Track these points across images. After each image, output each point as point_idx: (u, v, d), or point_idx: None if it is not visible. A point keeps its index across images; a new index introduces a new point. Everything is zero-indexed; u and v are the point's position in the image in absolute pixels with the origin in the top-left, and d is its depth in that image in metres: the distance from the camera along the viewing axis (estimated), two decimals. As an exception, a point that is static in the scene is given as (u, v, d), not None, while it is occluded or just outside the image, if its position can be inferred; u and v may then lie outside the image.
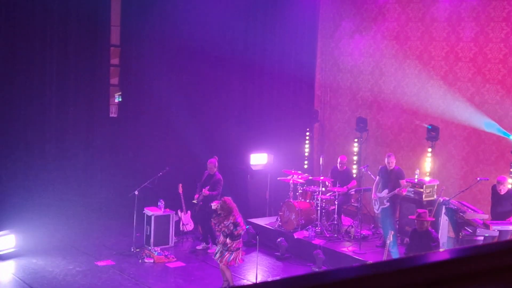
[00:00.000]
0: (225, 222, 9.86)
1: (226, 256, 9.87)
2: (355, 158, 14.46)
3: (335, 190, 12.41)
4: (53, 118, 13.32)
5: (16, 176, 12.80)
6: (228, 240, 9.89)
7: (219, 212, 9.95)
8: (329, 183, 12.83)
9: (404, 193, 11.77)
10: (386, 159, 11.88)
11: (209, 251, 11.98)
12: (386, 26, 14.20)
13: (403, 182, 11.68)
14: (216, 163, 12.31)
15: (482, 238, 10.60)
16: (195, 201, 12.35)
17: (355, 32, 14.81)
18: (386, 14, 14.18)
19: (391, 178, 11.74)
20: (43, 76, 13.08)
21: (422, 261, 1.29)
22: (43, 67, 13.07)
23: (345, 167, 13.06)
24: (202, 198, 12.14)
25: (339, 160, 13.04)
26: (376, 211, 12.10)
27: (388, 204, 11.70)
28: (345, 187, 12.62)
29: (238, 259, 9.98)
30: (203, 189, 12.08)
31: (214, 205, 10.53)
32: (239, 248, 9.98)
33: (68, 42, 13.26)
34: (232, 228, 9.84)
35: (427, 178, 12.36)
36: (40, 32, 12.93)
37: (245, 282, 10.50)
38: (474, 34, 12.65)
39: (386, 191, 11.74)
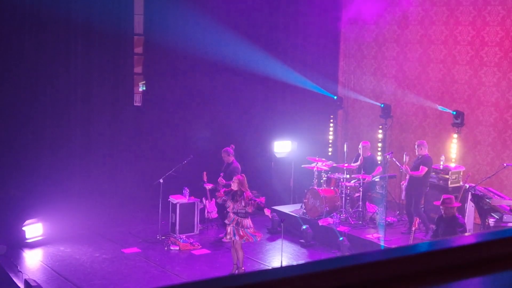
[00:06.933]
0: (238, 204, 9.91)
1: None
2: (379, 144, 14.36)
3: (360, 177, 12.35)
4: (78, 108, 13.44)
5: (42, 165, 12.95)
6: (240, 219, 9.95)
7: (236, 190, 10.00)
8: (353, 169, 12.75)
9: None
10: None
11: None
12: (411, 11, 14.04)
13: (423, 168, 11.41)
14: (231, 151, 12.29)
15: (508, 224, 10.50)
16: (208, 188, 12.39)
17: (379, 17, 14.67)
18: (410, -1, 14.04)
19: (416, 165, 11.61)
20: (67, 66, 13.19)
21: (447, 245, 1.27)
22: (67, 57, 13.18)
23: (369, 153, 12.93)
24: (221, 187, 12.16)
25: (361, 145, 12.82)
26: (402, 198, 12.02)
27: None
28: (372, 174, 12.53)
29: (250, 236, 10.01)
30: (219, 178, 12.09)
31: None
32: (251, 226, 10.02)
33: (92, 31, 13.33)
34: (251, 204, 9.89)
35: (452, 164, 12.24)
36: (64, 22, 13.01)
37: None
38: (501, 17, 12.45)
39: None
